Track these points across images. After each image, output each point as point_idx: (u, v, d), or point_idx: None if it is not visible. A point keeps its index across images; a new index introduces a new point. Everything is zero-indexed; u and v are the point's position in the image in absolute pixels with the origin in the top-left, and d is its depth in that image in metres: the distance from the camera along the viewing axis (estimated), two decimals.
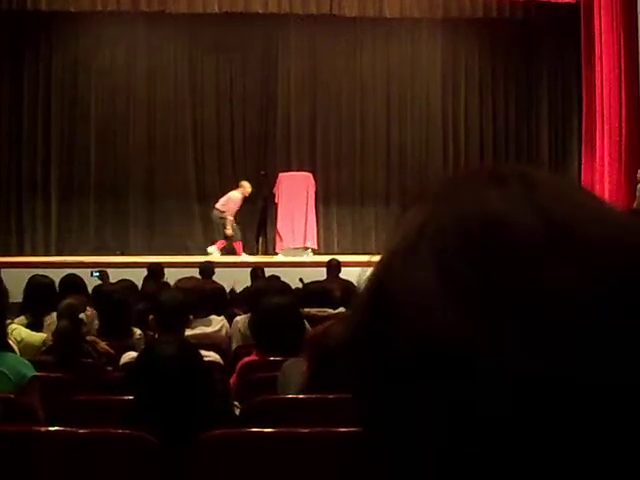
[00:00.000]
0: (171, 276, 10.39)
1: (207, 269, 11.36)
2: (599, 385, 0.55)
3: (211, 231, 17.84)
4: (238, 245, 16.17)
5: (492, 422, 0.56)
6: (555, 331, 0.55)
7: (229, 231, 16.02)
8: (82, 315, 5.58)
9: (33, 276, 7.48)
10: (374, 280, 0.63)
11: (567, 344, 0.55)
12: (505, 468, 0.57)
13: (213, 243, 16.32)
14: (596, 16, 15.78)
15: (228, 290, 8.66)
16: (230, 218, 16.00)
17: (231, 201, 16.12)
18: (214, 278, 10.07)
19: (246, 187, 16.25)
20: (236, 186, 16.44)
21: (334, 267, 11.51)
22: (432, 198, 0.64)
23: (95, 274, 11.38)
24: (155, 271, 11.07)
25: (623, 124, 15.35)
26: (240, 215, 17.38)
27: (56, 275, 8.09)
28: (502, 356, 0.56)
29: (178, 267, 12.18)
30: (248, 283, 10.15)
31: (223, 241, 16.19)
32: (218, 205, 16.22)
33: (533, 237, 0.57)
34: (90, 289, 8.02)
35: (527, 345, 0.55)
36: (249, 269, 11.58)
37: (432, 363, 0.57)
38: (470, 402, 0.56)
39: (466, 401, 0.56)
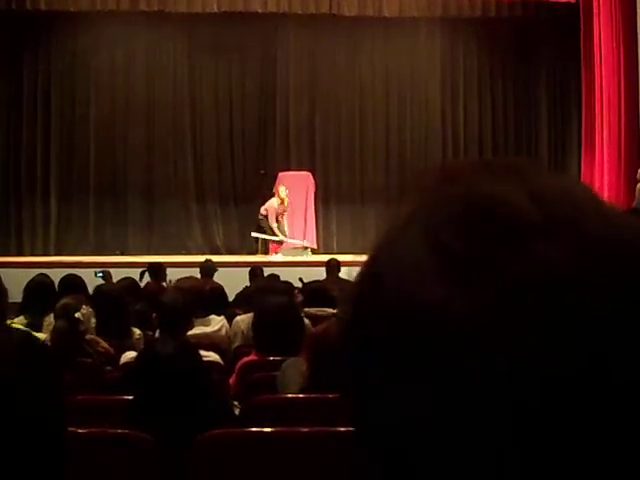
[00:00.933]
0: (172, 276, 10.41)
1: (208, 269, 11.34)
2: (570, 369, 0.55)
3: (210, 231, 17.84)
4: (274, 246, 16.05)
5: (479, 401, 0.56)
6: (538, 309, 0.56)
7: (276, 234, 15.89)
8: (78, 314, 5.57)
9: (36, 276, 7.49)
10: (366, 261, 0.64)
11: (549, 322, 0.56)
12: (494, 458, 0.56)
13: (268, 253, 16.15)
14: (595, 15, 15.77)
15: None
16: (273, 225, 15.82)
17: (269, 206, 15.98)
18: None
19: (279, 191, 16.04)
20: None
21: (333, 267, 11.51)
22: (424, 188, 0.65)
23: (99, 274, 11.42)
24: (156, 270, 11.06)
25: (622, 124, 15.34)
26: (242, 215, 17.48)
27: (55, 275, 8.09)
28: (489, 333, 0.56)
29: (177, 267, 12.17)
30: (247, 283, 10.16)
31: (275, 245, 16.01)
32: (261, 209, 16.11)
33: (526, 217, 0.59)
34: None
35: (515, 322, 0.56)
36: (248, 269, 11.58)
37: (422, 334, 0.58)
38: (463, 383, 0.56)
39: (460, 382, 0.56)
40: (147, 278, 10.86)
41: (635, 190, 13.97)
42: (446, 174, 0.65)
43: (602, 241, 0.58)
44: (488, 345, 0.56)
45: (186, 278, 7.84)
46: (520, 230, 0.58)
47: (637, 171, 14.25)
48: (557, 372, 0.55)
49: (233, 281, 9.98)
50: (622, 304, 0.57)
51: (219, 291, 7.59)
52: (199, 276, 10.30)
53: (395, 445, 0.60)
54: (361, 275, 0.64)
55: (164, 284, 10.13)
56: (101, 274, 11.44)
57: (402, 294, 0.59)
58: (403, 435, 0.59)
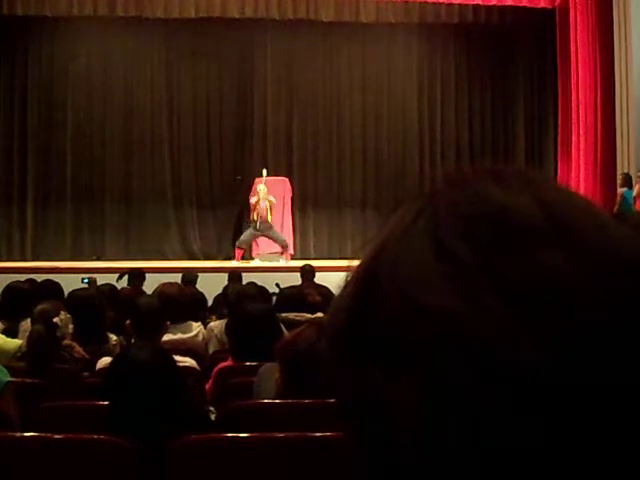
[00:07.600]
0: (149, 281, 10.39)
1: (189, 277, 11.23)
2: (578, 382, 0.56)
3: (187, 236, 17.81)
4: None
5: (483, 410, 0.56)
6: (542, 318, 0.56)
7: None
8: (56, 319, 5.56)
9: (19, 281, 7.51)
10: (365, 262, 0.63)
11: (554, 332, 0.56)
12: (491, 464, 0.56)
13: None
14: (571, 21, 15.85)
15: None
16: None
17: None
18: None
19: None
20: None
21: (308, 272, 11.52)
22: (429, 191, 0.65)
23: (85, 280, 11.50)
24: (136, 276, 11.04)
25: (599, 128, 15.42)
26: (219, 221, 17.46)
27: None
28: (496, 341, 0.56)
29: (154, 272, 12.15)
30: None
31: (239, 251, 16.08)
32: None
33: (533, 225, 0.59)
34: None
35: (521, 331, 0.56)
36: (224, 274, 11.58)
37: (425, 341, 0.57)
38: (466, 390, 0.56)
39: (463, 389, 0.56)
40: (124, 282, 10.90)
41: (616, 195, 14.05)
42: (453, 180, 0.65)
43: (600, 251, 0.58)
44: (495, 353, 0.56)
45: (170, 284, 7.83)
46: (525, 238, 0.58)
47: (615, 176, 14.36)
48: (561, 379, 0.55)
49: (209, 287, 9.96)
50: (617, 312, 0.57)
51: (200, 298, 7.61)
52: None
53: (389, 451, 0.59)
54: (356, 278, 0.63)
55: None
56: (87, 280, 11.53)
57: (406, 299, 0.58)
58: (399, 440, 0.58)
